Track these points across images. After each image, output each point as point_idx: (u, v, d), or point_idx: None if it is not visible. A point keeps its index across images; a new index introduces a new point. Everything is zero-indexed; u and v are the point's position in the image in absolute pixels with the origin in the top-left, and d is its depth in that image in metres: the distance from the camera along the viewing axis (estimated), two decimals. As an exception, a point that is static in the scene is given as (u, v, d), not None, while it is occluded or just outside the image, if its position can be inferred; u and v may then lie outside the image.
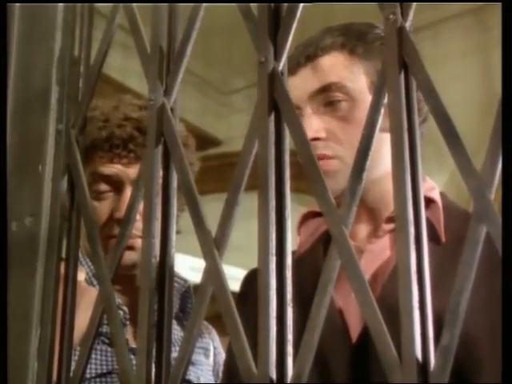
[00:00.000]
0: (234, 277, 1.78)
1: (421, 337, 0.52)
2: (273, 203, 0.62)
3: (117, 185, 1.44)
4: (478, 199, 0.52)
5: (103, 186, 1.45)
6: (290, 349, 0.59)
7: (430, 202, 1.21)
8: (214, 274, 0.64)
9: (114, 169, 1.45)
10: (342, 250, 0.58)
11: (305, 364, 0.57)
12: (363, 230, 1.27)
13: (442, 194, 1.25)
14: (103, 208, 1.44)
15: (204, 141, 5.30)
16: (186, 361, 0.64)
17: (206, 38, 4.67)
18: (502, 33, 0.55)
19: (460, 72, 4.34)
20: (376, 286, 1.18)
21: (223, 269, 0.64)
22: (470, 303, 1.05)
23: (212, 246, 0.64)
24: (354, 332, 1.17)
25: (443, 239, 1.17)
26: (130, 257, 1.35)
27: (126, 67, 4.31)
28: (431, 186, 1.25)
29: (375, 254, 1.21)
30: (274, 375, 0.58)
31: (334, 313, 1.19)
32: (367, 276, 1.20)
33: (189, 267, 3.52)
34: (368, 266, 1.21)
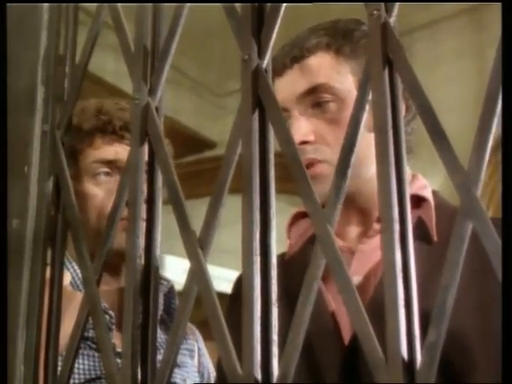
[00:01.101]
0: (227, 278, 1.78)
1: (407, 335, 0.52)
2: (257, 203, 0.61)
3: (119, 168, 1.45)
4: (463, 195, 0.52)
5: (105, 173, 1.45)
6: (275, 349, 0.59)
7: (421, 200, 1.20)
8: (198, 274, 0.63)
9: (116, 153, 1.45)
10: (326, 249, 0.57)
11: (290, 364, 0.56)
12: (354, 230, 1.26)
13: (435, 192, 1.24)
14: (107, 194, 1.44)
15: (199, 143, 5.30)
16: (172, 363, 0.64)
17: (201, 41, 4.66)
18: (501, 33, 0.54)
19: (455, 72, 4.34)
20: (368, 287, 1.18)
21: (208, 269, 0.63)
22: (462, 302, 1.04)
23: (196, 247, 0.64)
24: (346, 334, 1.16)
25: (435, 238, 1.16)
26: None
27: (119, 70, 4.30)
28: (423, 185, 1.24)
29: (366, 254, 1.21)
30: (259, 376, 0.57)
31: (327, 315, 1.19)
32: (359, 277, 1.19)
33: (183, 269, 3.51)
34: (360, 266, 1.20)
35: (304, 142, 1.20)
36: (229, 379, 0.59)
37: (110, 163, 1.45)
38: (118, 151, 1.45)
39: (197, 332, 1.71)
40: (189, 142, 5.16)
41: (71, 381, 1.32)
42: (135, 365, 0.66)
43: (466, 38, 4.43)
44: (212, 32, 4.24)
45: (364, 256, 1.20)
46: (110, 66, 4.22)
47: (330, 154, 1.20)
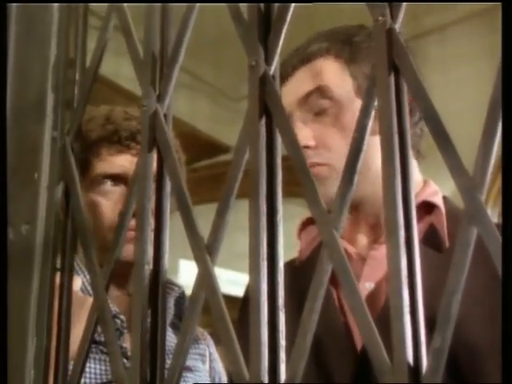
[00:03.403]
0: (243, 283, 1.79)
1: (413, 341, 0.52)
2: (264, 208, 0.61)
3: (124, 181, 1.45)
4: (468, 200, 0.52)
5: (111, 183, 1.46)
6: (282, 354, 0.59)
7: (433, 207, 1.20)
8: (206, 279, 0.63)
9: (121, 166, 1.45)
10: (332, 255, 0.57)
11: (297, 370, 0.56)
12: (365, 236, 1.27)
13: (445, 199, 1.24)
14: (113, 204, 1.44)
15: (213, 148, 5.32)
16: (180, 367, 0.64)
17: (216, 46, 4.67)
18: (501, 33, 0.54)
19: (468, 74, 4.33)
20: (381, 294, 1.17)
21: (215, 274, 0.63)
22: (475, 309, 1.03)
23: (204, 252, 0.64)
24: (359, 342, 1.16)
25: (447, 244, 1.16)
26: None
27: (135, 75, 4.32)
28: (434, 191, 1.24)
29: (378, 260, 1.20)
30: (266, 381, 0.57)
31: (339, 323, 1.18)
32: (372, 283, 1.19)
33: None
34: (372, 273, 1.20)
35: (305, 147, 1.21)
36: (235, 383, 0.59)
37: (115, 177, 1.46)
38: (124, 164, 1.46)
39: (208, 337, 1.72)
40: (203, 146, 5.18)
41: None
42: (144, 369, 0.66)
43: (479, 40, 4.42)
44: (226, 37, 4.25)
45: (376, 262, 1.20)
46: (125, 71, 4.24)
47: (330, 157, 1.21)
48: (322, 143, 1.22)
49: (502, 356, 0.49)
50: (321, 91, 1.23)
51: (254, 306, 0.59)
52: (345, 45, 1.25)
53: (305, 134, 1.22)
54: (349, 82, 1.23)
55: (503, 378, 0.48)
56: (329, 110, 1.23)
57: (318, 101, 1.23)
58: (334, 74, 1.24)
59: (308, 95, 1.24)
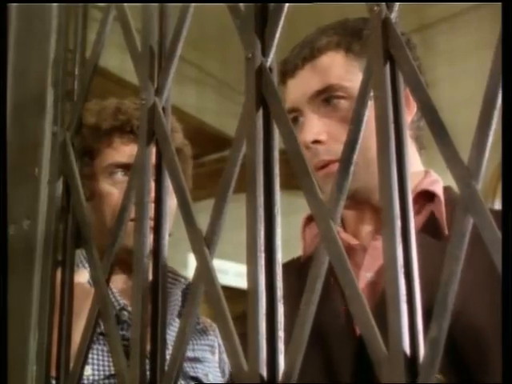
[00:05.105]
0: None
1: (409, 331, 0.52)
2: (261, 200, 0.61)
3: None
4: (463, 190, 0.51)
5: (121, 173, 1.47)
6: (281, 346, 0.59)
7: (433, 195, 1.20)
8: (204, 272, 0.63)
9: (133, 156, 1.46)
10: (329, 245, 0.57)
11: (294, 361, 0.56)
12: (367, 228, 1.27)
13: (447, 188, 1.24)
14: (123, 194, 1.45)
15: (221, 141, 5.31)
16: (180, 360, 0.64)
17: (223, 39, 4.67)
18: (501, 32, 0.54)
19: (475, 65, 4.31)
20: (380, 283, 1.18)
21: (213, 267, 0.63)
22: (477, 299, 1.03)
23: (203, 245, 0.64)
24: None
25: (446, 232, 1.16)
26: None
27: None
28: (434, 180, 1.24)
29: (379, 250, 1.20)
30: (264, 372, 0.57)
31: (340, 312, 1.19)
32: (371, 273, 1.20)
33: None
34: (372, 262, 1.20)
35: (316, 141, 1.21)
36: (234, 375, 0.59)
37: (128, 166, 1.47)
38: (135, 154, 1.47)
39: (217, 329, 1.73)
40: (211, 140, 5.17)
41: (91, 377, 1.34)
42: (144, 362, 0.66)
43: (486, 30, 4.40)
44: (233, 30, 4.25)
45: (376, 252, 1.20)
46: (131, 65, 4.24)
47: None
48: (335, 138, 1.22)
49: (503, 349, 0.49)
50: (333, 89, 1.23)
51: (252, 297, 0.59)
52: (354, 38, 1.25)
53: (316, 128, 1.22)
54: (359, 76, 1.23)
55: (503, 377, 0.48)
56: (341, 105, 1.22)
57: (330, 97, 1.23)
58: (345, 70, 1.23)
59: (320, 91, 1.23)
